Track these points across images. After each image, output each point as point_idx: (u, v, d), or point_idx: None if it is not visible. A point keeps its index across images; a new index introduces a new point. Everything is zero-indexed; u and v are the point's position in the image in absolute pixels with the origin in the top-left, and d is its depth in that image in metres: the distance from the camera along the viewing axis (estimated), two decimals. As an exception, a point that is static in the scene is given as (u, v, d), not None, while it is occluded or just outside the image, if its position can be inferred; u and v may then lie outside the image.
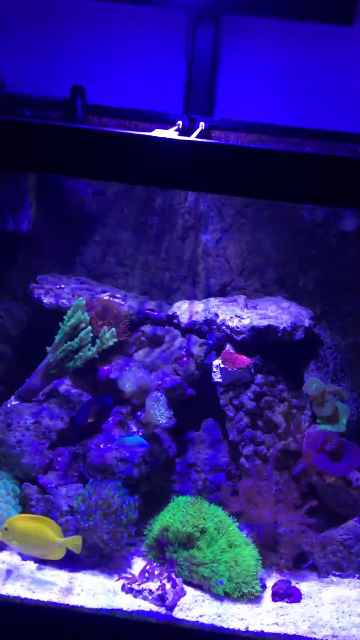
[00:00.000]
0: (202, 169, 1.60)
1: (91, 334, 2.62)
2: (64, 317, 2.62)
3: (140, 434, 2.56)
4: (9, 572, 2.24)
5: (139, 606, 2.11)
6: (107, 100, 2.83)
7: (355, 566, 2.39)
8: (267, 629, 2.06)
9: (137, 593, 2.16)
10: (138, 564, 2.35)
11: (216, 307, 2.88)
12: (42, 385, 2.65)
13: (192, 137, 2.24)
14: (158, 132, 1.99)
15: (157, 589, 2.14)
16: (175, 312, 2.93)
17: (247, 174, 1.60)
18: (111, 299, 2.87)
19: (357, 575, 2.38)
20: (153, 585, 2.17)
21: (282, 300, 2.97)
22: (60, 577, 2.24)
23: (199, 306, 2.93)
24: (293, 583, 2.30)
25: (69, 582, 2.22)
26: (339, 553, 2.38)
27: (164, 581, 2.18)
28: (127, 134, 1.62)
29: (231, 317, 2.78)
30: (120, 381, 2.64)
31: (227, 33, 2.77)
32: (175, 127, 2.67)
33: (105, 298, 2.86)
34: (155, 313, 2.92)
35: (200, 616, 2.10)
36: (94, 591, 2.17)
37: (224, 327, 2.77)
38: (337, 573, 2.38)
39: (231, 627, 2.07)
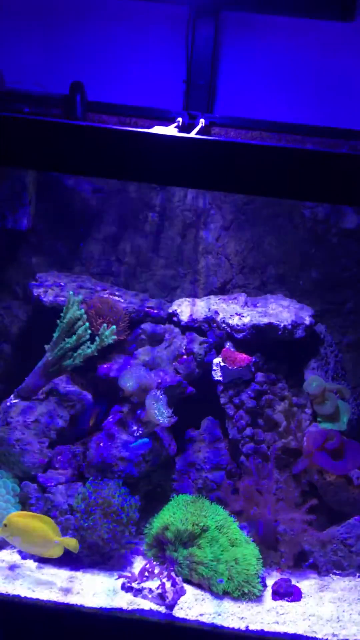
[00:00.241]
0: (202, 166, 1.59)
1: (89, 331, 2.61)
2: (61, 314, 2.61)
3: (140, 432, 2.56)
4: (8, 571, 2.23)
5: (139, 605, 2.11)
6: (107, 97, 2.82)
7: (356, 565, 2.38)
8: (267, 628, 2.06)
9: (137, 592, 2.16)
10: (138, 563, 2.35)
11: (216, 305, 2.87)
12: (42, 384, 2.64)
13: (192, 134, 2.23)
14: (158, 129, 1.98)
15: (157, 588, 2.14)
16: (176, 310, 2.92)
17: (247, 171, 1.59)
18: (111, 296, 2.86)
19: (357, 574, 2.37)
20: (153, 584, 2.16)
21: (283, 298, 2.96)
22: (60, 576, 2.24)
23: (199, 304, 2.93)
24: (293, 582, 2.30)
25: (68, 581, 2.21)
26: (340, 552, 2.38)
27: (164, 580, 2.17)
28: (126, 130, 1.61)
29: (231, 315, 2.77)
30: (121, 379, 2.63)
31: (228, 29, 2.76)
32: (175, 124, 2.66)
33: (105, 296, 2.85)
34: (155, 311, 2.91)
35: (201, 615, 2.10)
36: (94, 590, 2.17)
37: (224, 325, 2.76)
38: (338, 572, 2.38)
39: (231, 626, 2.06)
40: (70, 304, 2.57)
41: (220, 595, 2.21)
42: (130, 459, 2.48)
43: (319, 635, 2.03)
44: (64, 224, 3.08)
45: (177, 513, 2.37)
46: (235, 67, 2.80)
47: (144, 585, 2.17)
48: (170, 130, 2.23)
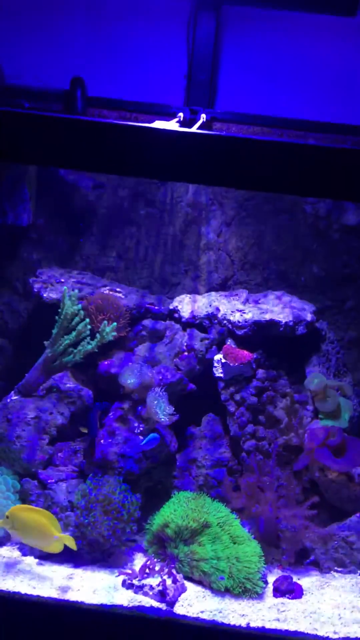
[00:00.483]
0: (204, 161, 1.58)
1: (89, 327, 2.60)
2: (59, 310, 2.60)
3: (141, 429, 2.55)
4: (9, 568, 2.23)
5: (140, 602, 2.11)
6: (107, 92, 2.81)
7: (357, 562, 2.38)
8: (268, 625, 2.05)
9: (138, 589, 2.15)
10: (139, 560, 2.35)
11: (217, 301, 2.86)
12: (42, 380, 2.63)
13: (193, 129, 2.21)
14: (159, 124, 1.97)
15: (158, 585, 2.14)
16: (176, 307, 2.91)
17: (249, 167, 1.58)
18: (111, 293, 2.85)
19: (359, 572, 2.37)
20: (154, 581, 2.16)
21: (284, 294, 2.95)
22: (60, 572, 2.23)
23: (200, 300, 2.92)
24: (295, 579, 2.29)
25: (69, 578, 2.21)
26: (341, 549, 2.37)
27: (165, 577, 2.17)
28: (127, 125, 1.59)
29: (233, 312, 2.76)
30: (122, 376, 2.62)
31: (229, 23, 2.74)
32: (176, 119, 2.64)
33: (105, 292, 2.84)
34: (156, 307, 2.90)
35: (201, 612, 2.09)
36: (94, 587, 2.16)
37: (225, 322, 2.75)
38: (339, 569, 2.37)
39: (232, 623, 2.06)
40: (65, 299, 2.56)
41: (221, 592, 2.20)
42: (130, 455, 2.48)
43: (320, 633, 2.03)
44: (65, 220, 3.07)
45: (178, 510, 2.37)
46: (237, 62, 2.78)
47: (144, 582, 2.16)
48: (172, 125, 2.21)
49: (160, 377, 2.64)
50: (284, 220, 3.02)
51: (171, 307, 2.93)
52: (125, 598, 2.12)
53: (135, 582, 2.17)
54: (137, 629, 2.08)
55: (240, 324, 2.71)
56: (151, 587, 2.14)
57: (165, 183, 3.00)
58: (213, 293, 2.98)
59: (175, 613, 2.08)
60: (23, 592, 2.11)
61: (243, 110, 2.78)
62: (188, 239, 3.07)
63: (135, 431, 2.55)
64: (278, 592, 2.23)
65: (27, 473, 2.48)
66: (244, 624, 2.06)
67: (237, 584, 2.20)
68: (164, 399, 2.55)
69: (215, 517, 2.36)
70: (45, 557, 2.29)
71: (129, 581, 2.18)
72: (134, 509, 2.32)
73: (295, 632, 2.03)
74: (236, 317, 2.73)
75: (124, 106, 2.80)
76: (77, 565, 2.28)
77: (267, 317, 2.71)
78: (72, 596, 2.11)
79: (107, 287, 2.90)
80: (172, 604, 2.11)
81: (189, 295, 2.99)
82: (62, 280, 2.89)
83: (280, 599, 2.20)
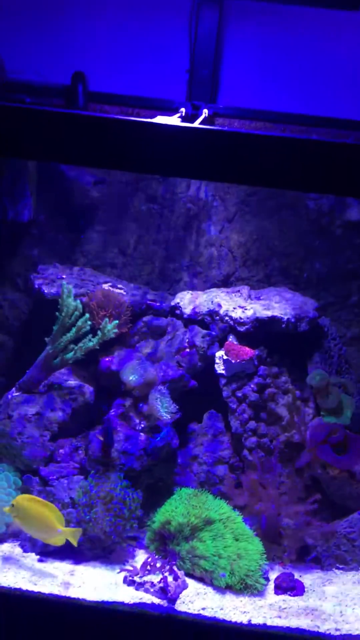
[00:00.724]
0: (206, 157, 1.56)
1: (89, 323, 2.59)
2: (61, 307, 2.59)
3: (142, 426, 2.54)
4: (10, 564, 2.23)
5: (141, 599, 2.10)
6: (109, 87, 2.79)
7: (359, 559, 2.37)
8: (269, 622, 2.05)
9: (139, 585, 2.15)
10: (140, 557, 2.35)
11: (219, 297, 2.85)
12: (43, 377, 2.63)
13: (196, 125, 2.20)
14: (160, 119, 1.95)
15: (159, 582, 2.13)
16: (178, 303, 2.90)
17: (251, 162, 1.56)
18: (113, 289, 2.84)
19: (360, 569, 2.37)
20: (155, 578, 2.16)
21: (286, 290, 2.94)
22: (61, 569, 2.23)
23: (201, 297, 2.90)
24: (296, 576, 2.29)
25: (70, 574, 2.21)
26: (343, 546, 2.37)
27: (166, 574, 2.17)
28: (128, 120, 1.58)
29: (234, 308, 2.75)
30: (124, 373, 2.62)
31: (232, 18, 2.72)
32: (178, 115, 2.63)
33: (106, 288, 2.83)
34: (158, 304, 2.89)
35: (203, 609, 2.09)
36: (95, 584, 2.16)
37: (227, 318, 2.74)
38: (341, 566, 2.37)
39: (233, 620, 2.06)
40: (64, 296, 2.55)
41: (223, 589, 2.20)
42: (132, 452, 2.47)
43: (321, 630, 2.02)
44: (66, 216, 3.06)
45: (179, 507, 2.36)
46: (240, 56, 2.77)
47: (145, 579, 2.16)
48: (173, 120, 2.20)
49: (162, 374, 2.64)
50: (286, 216, 3.01)
51: (172, 303, 2.92)
52: (126, 595, 2.12)
53: (136, 578, 2.17)
54: (138, 625, 2.08)
55: (242, 321, 2.70)
56: (152, 584, 2.13)
57: (166, 179, 2.98)
58: (215, 289, 2.97)
59: (177, 610, 2.08)
60: (24, 588, 2.11)
61: (245, 105, 2.77)
62: (189, 235, 3.06)
63: (137, 428, 2.54)
64: (279, 589, 2.22)
65: (28, 469, 2.48)
66: (245, 621, 2.05)
67: (238, 581, 2.19)
68: (167, 396, 2.54)
69: (216, 514, 2.35)
70: (46, 553, 2.29)
71: (130, 578, 2.18)
72: (135, 506, 2.32)
73: (297, 629, 2.03)
74: (238, 314, 2.72)
75: (125, 101, 2.78)
76: (78, 561, 2.28)
77: (269, 313, 2.70)
78: (73, 593, 2.11)
79: (109, 284, 2.89)
80: (173, 600, 2.11)
81: (190, 291, 2.98)
82: (63, 276, 2.88)
83: (282, 596, 2.20)
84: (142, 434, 2.53)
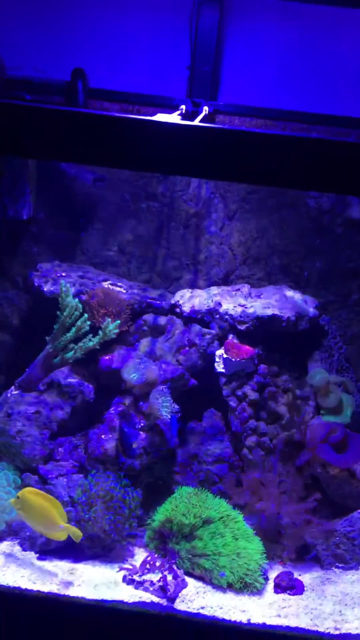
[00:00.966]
0: (206, 155, 1.56)
1: (88, 322, 2.59)
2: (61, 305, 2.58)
3: (142, 424, 2.54)
4: (9, 562, 2.23)
5: (140, 597, 2.10)
6: (109, 83, 2.78)
7: (359, 558, 2.37)
8: (269, 621, 2.05)
9: (139, 584, 2.15)
10: (139, 555, 2.34)
11: (219, 296, 2.84)
12: (43, 375, 2.62)
13: (196, 122, 2.19)
14: (161, 117, 1.94)
15: (159, 581, 2.13)
16: (178, 301, 2.89)
17: (251, 160, 1.56)
18: (113, 287, 2.83)
19: (360, 568, 2.37)
20: (154, 577, 2.16)
21: (287, 289, 2.93)
22: (61, 567, 2.23)
23: (201, 295, 2.90)
24: (296, 575, 2.28)
25: (69, 573, 2.21)
26: (342, 545, 2.37)
27: (166, 572, 2.17)
28: (128, 118, 1.57)
29: (235, 307, 2.74)
30: (125, 371, 2.61)
31: (233, 14, 2.71)
32: (179, 112, 2.62)
33: (106, 286, 2.82)
34: (158, 302, 2.89)
35: (202, 608, 2.09)
36: (95, 582, 2.16)
37: (227, 317, 2.74)
38: (340, 565, 2.37)
39: (233, 619, 2.06)
40: (63, 294, 2.54)
41: (222, 588, 2.20)
42: (132, 451, 2.47)
43: (320, 629, 2.02)
44: (66, 214, 3.05)
45: (179, 506, 2.36)
46: (240, 53, 2.75)
47: (145, 577, 2.16)
48: (174, 118, 2.19)
49: (162, 372, 2.63)
50: (287, 214, 3.00)
51: (172, 301, 2.91)
52: (125, 593, 2.12)
53: (136, 577, 2.17)
54: (137, 624, 2.08)
55: (242, 319, 2.70)
56: (152, 583, 2.13)
57: (167, 177, 2.97)
58: (215, 287, 2.96)
59: (176, 609, 2.08)
60: (23, 587, 2.11)
61: (246, 102, 2.76)
62: (190, 233, 3.05)
63: (136, 427, 2.54)
64: (279, 588, 2.22)
65: (27, 468, 2.48)
66: (244, 620, 2.05)
67: (238, 580, 2.19)
68: (167, 395, 2.54)
69: (216, 512, 2.35)
70: (45, 552, 2.29)
71: (130, 577, 2.17)
72: (135, 505, 2.32)
73: (296, 628, 2.03)
74: (238, 312, 2.71)
75: (125, 98, 2.77)
76: (77, 560, 2.28)
77: (270, 312, 2.69)
78: (72, 591, 2.10)
79: (108, 282, 2.88)
80: (172, 599, 2.11)
81: (190, 289, 2.97)
82: (63, 274, 2.87)
83: (281, 595, 2.20)
84: (142, 432, 2.53)
